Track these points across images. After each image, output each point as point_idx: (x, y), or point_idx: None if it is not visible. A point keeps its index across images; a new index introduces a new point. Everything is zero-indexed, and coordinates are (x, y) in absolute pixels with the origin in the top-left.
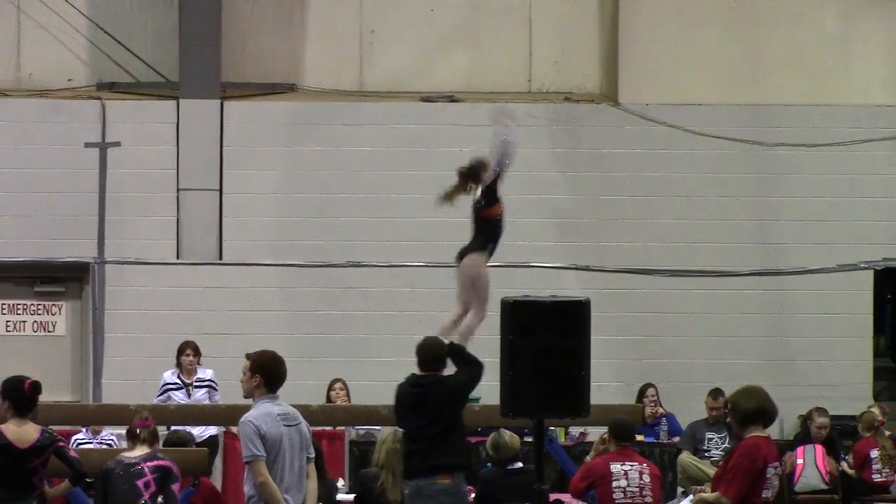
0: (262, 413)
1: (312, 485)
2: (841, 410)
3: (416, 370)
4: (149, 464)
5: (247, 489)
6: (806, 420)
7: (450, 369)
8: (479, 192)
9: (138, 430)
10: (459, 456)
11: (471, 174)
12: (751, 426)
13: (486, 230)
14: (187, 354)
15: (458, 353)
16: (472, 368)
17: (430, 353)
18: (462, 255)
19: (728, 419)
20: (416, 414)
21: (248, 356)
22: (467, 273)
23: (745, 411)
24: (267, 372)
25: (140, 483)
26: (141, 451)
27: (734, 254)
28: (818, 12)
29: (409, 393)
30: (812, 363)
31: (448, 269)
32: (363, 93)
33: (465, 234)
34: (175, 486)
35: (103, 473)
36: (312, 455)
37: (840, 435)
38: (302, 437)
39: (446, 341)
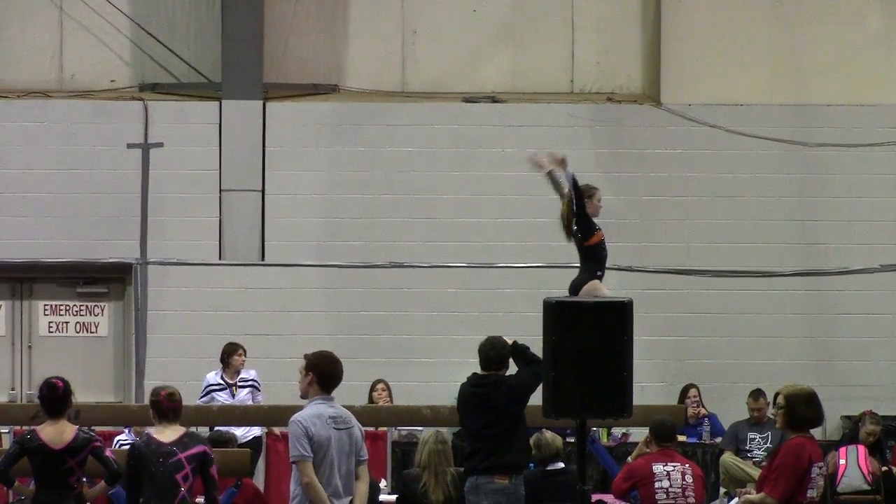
0: (313, 413)
1: (363, 487)
2: (883, 410)
3: (453, 371)
4: (184, 454)
5: (292, 487)
6: (857, 422)
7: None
8: (574, 226)
9: (167, 409)
10: (521, 456)
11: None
12: (799, 429)
13: (590, 258)
14: (240, 355)
15: (521, 353)
16: (534, 368)
17: (492, 352)
18: (575, 287)
19: (777, 412)
20: (478, 414)
21: (305, 356)
22: None
23: (803, 417)
24: (320, 370)
25: (179, 477)
26: (172, 432)
27: (777, 254)
28: (862, 12)
29: (472, 393)
30: (855, 363)
31: (491, 269)
32: (405, 93)
33: (508, 235)
34: (213, 469)
35: (134, 455)
36: (365, 458)
37: (884, 435)
38: (353, 441)
39: (508, 340)
